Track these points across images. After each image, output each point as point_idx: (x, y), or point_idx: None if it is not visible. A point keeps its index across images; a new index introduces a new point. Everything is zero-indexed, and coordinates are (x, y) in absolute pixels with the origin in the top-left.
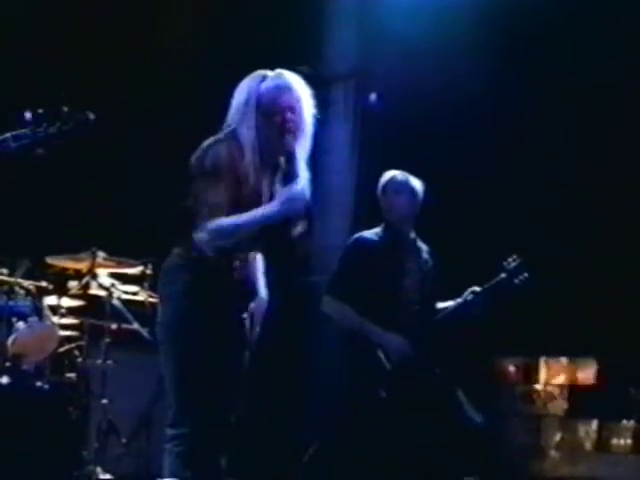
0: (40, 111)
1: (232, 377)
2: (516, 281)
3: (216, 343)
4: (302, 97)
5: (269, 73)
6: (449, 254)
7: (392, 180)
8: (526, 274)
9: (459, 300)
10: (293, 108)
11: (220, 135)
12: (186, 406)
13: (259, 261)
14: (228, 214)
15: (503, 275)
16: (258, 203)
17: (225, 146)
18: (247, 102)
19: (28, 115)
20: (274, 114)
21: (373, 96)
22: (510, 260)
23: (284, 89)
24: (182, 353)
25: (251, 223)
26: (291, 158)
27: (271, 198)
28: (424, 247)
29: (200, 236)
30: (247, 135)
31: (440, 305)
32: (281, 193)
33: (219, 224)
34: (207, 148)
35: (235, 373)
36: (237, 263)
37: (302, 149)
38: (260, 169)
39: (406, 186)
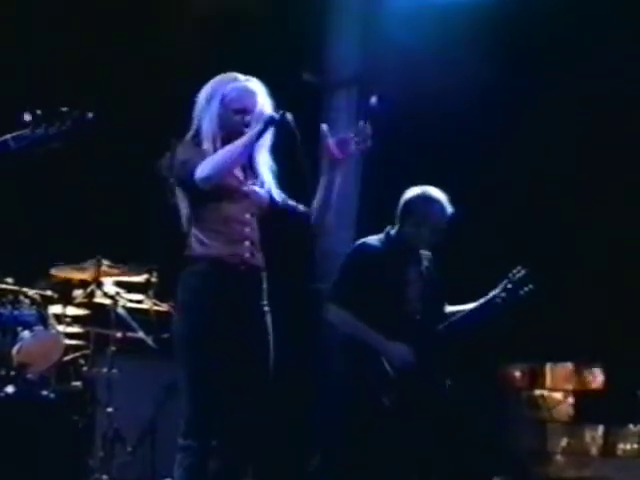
0: (39, 112)
1: (255, 383)
2: (521, 292)
3: (232, 350)
4: (265, 105)
5: (239, 76)
6: (452, 262)
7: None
8: (531, 286)
9: (474, 305)
10: (253, 112)
11: (183, 140)
12: (198, 418)
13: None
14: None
15: (509, 286)
16: (229, 192)
17: (182, 145)
18: (212, 96)
19: (27, 116)
20: (235, 113)
21: (374, 98)
22: (515, 271)
23: (249, 92)
24: (195, 364)
25: (236, 148)
26: (251, 162)
27: (246, 194)
28: (425, 254)
29: (197, 178)
30: (208, 127)
31: (449, 309)
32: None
33: (211, 159)
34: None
35: (258, 378)
36: (244, 253)
37: (261, 155)
38: None
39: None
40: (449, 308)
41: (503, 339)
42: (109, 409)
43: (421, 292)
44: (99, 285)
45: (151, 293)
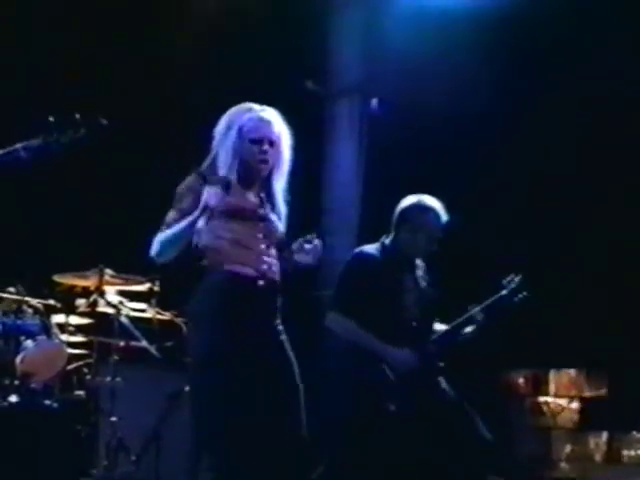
0: (51, 119)
1: (280, 399)
2: (516, 299)
3: (246, 375)
4: (282, 134)
5: (255, 106)
6: (449, 269)
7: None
8: (525, 292)
9: (446, 329)
10: (272, 142)
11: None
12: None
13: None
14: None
15: (503, 292)
16: (242, 215)
17: (188, 179)
18: (229, 127)
19: (40, 123)
20: (253, 143)
21: (374, 102)
22: (509, 278)
23: (266, 122)
24: (205, 386)
25: (181, 230)
26: (269, 191)
27: (261, 218)
28: (420, 264)
29: (151, 252)
30: (224, 157)
31: (437, 327)
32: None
33: (158, 237)
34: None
35: (282, 395)
36: (262, 266)
37: (279, 183)
38: (238, 187)
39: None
40: (437, 326)
41: (506, 345)
42: (112, 418)
43: (417, 299)
44: (102, 294)
45: (154, 302)
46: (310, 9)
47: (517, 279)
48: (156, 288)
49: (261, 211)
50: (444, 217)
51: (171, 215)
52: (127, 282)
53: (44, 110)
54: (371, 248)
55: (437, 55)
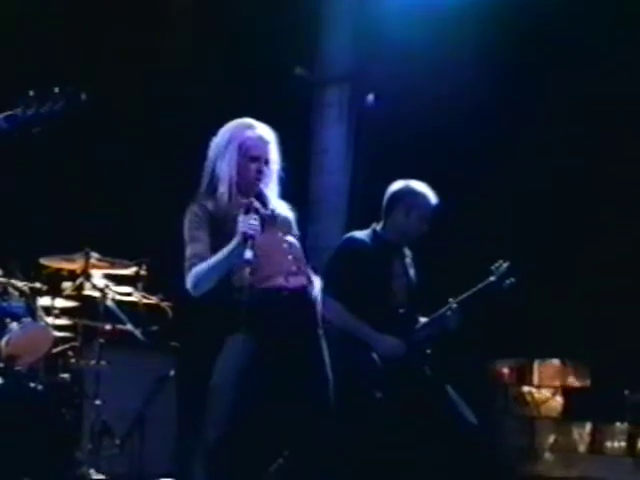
0: (31, 92)
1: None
2: (504, 285)
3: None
4: (276, 152)
5: (255, 123)
6: (438, 258)
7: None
8: (513, 279)
9: (435, 315)
10: (268, 161)
11: (198, 194)
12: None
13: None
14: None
15: (492, 278)
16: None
17: (189, 212)
18: (230, 142)
19: (20, 96)
20: (252, 160)
21: (371, 97)
22: (497, 264)
23: (264, 141)
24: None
25: (219, 262)
26: (263, 199)
27: (272, 217)
28: (407, 252)
29: (188, 288)
30: (226, 171)
31: (421, 320)
32: (238, 224)
33: (195, 271)
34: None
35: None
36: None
37: (272, 192)
38: (236, 200)
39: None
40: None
41: (491, 335)
42: (97, 401)
43: (406, 286)
44: (88, 277)
45: (140, 286)
46: None
47: (505, 265)
48: (142, 272)
49: (268, 211)
50: (434, 199)
51: (197, 247)
52: (113, 266)
53: (26, 85)
54: (361, 234)
55: (428, 43)
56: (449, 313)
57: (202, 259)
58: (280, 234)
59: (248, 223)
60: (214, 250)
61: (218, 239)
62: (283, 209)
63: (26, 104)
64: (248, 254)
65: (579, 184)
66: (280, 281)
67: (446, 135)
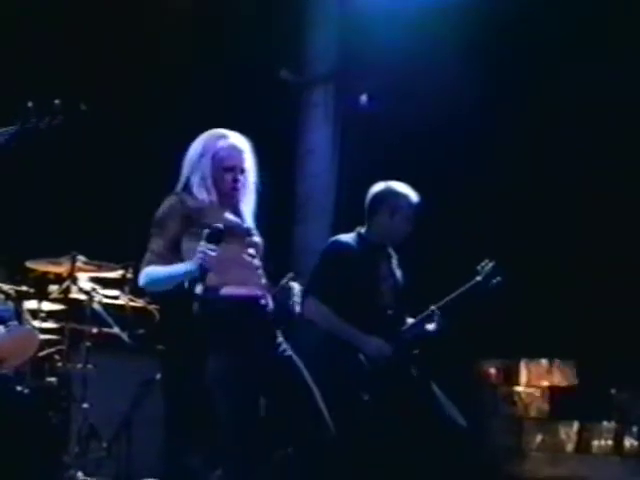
0: (30, 104)
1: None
2: (490, 285)
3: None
4: (252, 161)
5: (227, 133)
6: (423, 258)
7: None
8: (499, 278)
9: (419, 317)
10: (243, 170)
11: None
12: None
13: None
14: (169, 255)
15: (478, 278)
16: (231, 232)
17: (167, 200)
18: (202, 155)
19: (19, 109)
20: (227, 171)
21: (364, 97)
22: (483, 264)
23: (239, 151)
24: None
25: (171, 277)
26: (238, 214)
27: (248, 232)
28: (393, 254)
29: (139, 280)
30: (200, 182)
31: (408, 320)
32: (197, 251)
33: (149, 272)
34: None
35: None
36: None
37: (248, 206)
38: (216, 207)
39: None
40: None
41: (478, 335)
42: (84, 405)
43: (392, 288)
44: (74, 281)
45: (127, 289)
46: None
47: (490, 264)
48: (129, 275)
49: (245, 225)
50: (416, 199)
51: (160, 243)
52: (100, 269)
53: (25, 96)
54: (347, 237)
55: (413, 42)
56: (437, 312)
57: (159, 258)
58: (252, 249)
59: (206, 254)
60: (178, 243)
61: (188, 234)
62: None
63: (25, 117)
64: (199, 289)
65: (565, 183)
66: (250, 291)
67: (432, 134)
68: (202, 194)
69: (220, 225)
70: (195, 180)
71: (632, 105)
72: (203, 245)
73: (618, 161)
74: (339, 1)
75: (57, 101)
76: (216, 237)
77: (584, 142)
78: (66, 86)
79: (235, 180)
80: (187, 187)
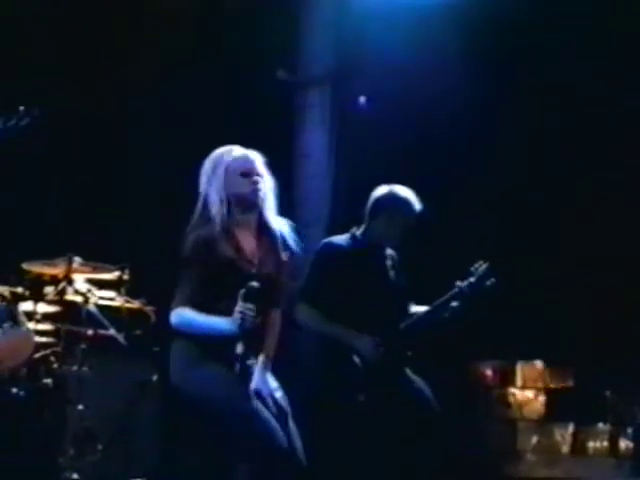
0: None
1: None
2: (484, 286)
3: None
4: (265, 172)
5: (237, 148)
6: (420, 260)
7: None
8: (493, 279)
9: (429, 307)
10: (260, 174)
11: (193, 221)
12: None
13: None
14: (202, 295)
15: (472, 279)
16: (239, 259)
17: (192, 238)
18: (216, 167)
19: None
20: (246, 175)
21: (362, 99)
22: (477, 265)
23: (251, 160)
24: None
25: (205, 330)
26: (263, 213)
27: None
28: (390, 254)
29: (171, 318)
30: (215, 197)
31: (413, 309)
32: (236, 312)
33: (182, 315)
34: (185, 236)
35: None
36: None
37: (271, 211)
38: (233, 224)
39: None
40: (414, 308)
41: (474, 337)
42: (80, 407)
43: (386, 289)
44: (70, 282)
45: (123, 290)
46: None
47: (484, 266)
48: (125, 276)
49: (255, 260)
50: (418, 205)
51: (191, 290)
52: (96, 270)
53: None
54: (339, 239)
55: (410, 44)
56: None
57: (191, 303)
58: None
59: (246, 314)
60: (204, 277)
61: (210, 264)
62: (278, 224)
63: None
64: (239, 349)
65: (561, 186)
66: None
67: (430, 136)
68: (214, 208)
69: (255, 284)
70: (212, 195)
71: (632, 105)
72: (241, 305)
73: (619, 161)
74: (336, 2)
75: (21, 107)
76: (253, 296)
77: (584, 142)
78: (66, 86)
79: (254, 182)
80: (204, 208)
